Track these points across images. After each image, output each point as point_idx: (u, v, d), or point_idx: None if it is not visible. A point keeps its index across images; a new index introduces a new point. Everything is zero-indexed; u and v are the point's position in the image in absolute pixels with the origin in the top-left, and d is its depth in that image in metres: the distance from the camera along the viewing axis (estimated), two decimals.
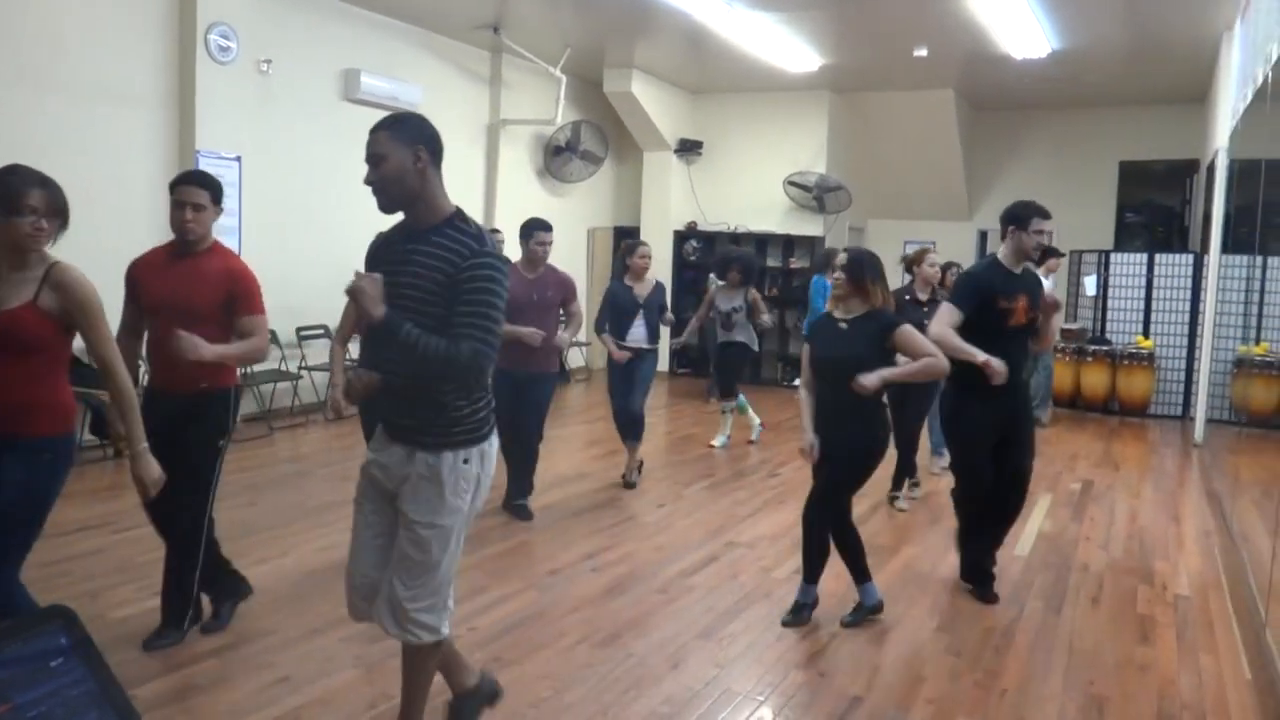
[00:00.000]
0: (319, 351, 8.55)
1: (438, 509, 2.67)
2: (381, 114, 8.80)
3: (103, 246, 7.02)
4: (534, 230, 5.66)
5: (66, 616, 1.16)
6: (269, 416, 8.01)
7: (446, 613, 2.78)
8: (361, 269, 2.68)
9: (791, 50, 9.81)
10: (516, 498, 5.80)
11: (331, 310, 8.45)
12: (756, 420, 8.35)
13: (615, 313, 6.60)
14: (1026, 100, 12.11)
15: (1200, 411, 8.75)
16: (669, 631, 4.08)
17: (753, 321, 7.77)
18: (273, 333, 7.20)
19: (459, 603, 4.27)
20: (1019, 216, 4.56)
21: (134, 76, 7.15)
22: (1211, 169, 8.86)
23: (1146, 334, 10.23)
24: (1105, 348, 10.12)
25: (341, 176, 8.75)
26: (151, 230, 7.33)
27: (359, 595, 2.82)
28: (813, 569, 4.24)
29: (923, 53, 9.62)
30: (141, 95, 7.20)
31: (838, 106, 12.10)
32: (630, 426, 6.60)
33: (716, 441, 8.02)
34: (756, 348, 8.04)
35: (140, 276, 3.70)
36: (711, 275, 9.27)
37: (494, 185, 10.78)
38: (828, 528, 4.21)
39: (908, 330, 4.03)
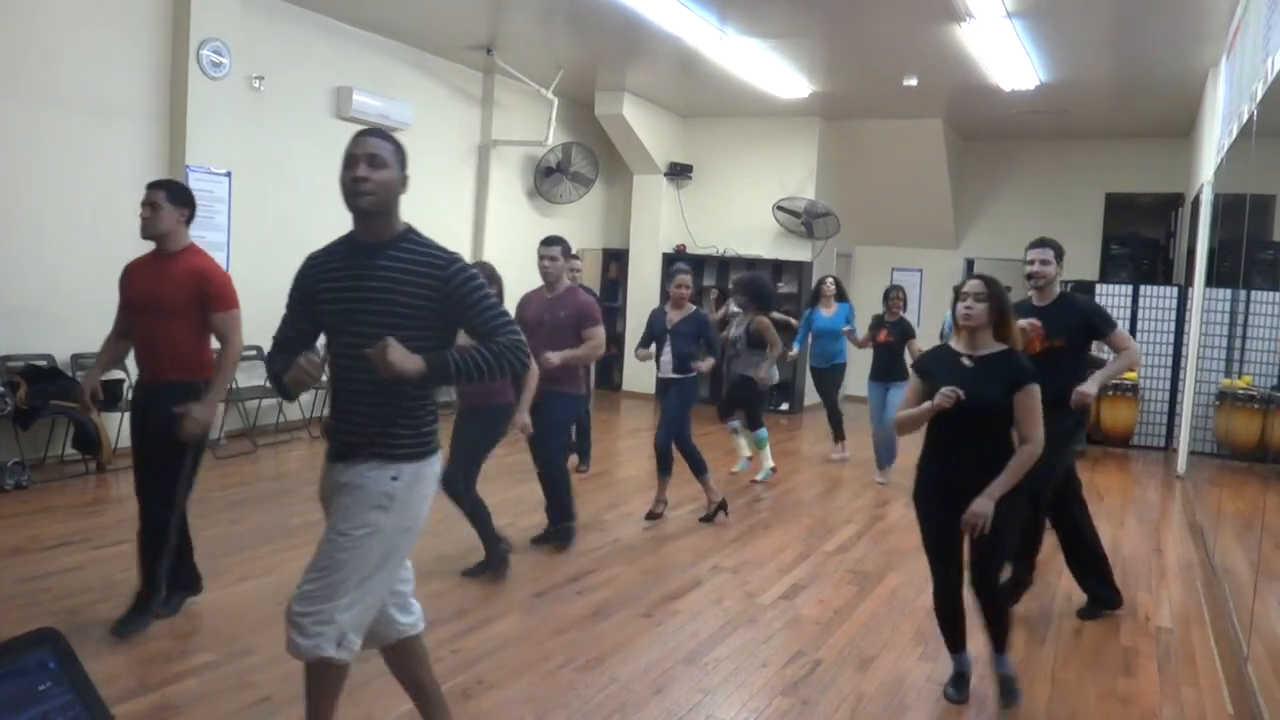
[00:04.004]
0: None
1: (356, 521, 2.63)
2: None
3: (90, 258, 7.02)
4: (540, 246, 5.52)
5: (54, 639, 1.14)
6: (253, 433, 7.97)
7: (332, 628, 2.59)
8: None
9: (782, 77, 9.88)
10: (551, 521, 5.67)
11: None
12: (768, 462, 7.83)
13: (649, 337, 6.44)
14: (1014, 131, 12.22)
15: (1183, 443, 8.80)
16: (653, 656, 4.07)
17: (756, 351, 7.27)
18: (259, 349, 7.20)
19: (443, 622, 4.27)
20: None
21: (125, 90, 7.14)
22: (1196, 203, 8.94)
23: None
24: None
25: (331, 193, 8.68)
26: (140, 244, 7.30)
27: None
28: (959, 639, 3.85)
29: (913, 82, 9.70)
30: (133, 109, 7.19)
31: (827, 133, 12.19)
32: (658, 458, 6.40)
33: (736, 467, 7.86)
34: (758, 376, 7.32)
35: (126, 277, 4.17)
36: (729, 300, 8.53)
37: (484, 205, 10.80)
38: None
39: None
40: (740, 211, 12.34)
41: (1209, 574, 5.73)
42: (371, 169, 2.64)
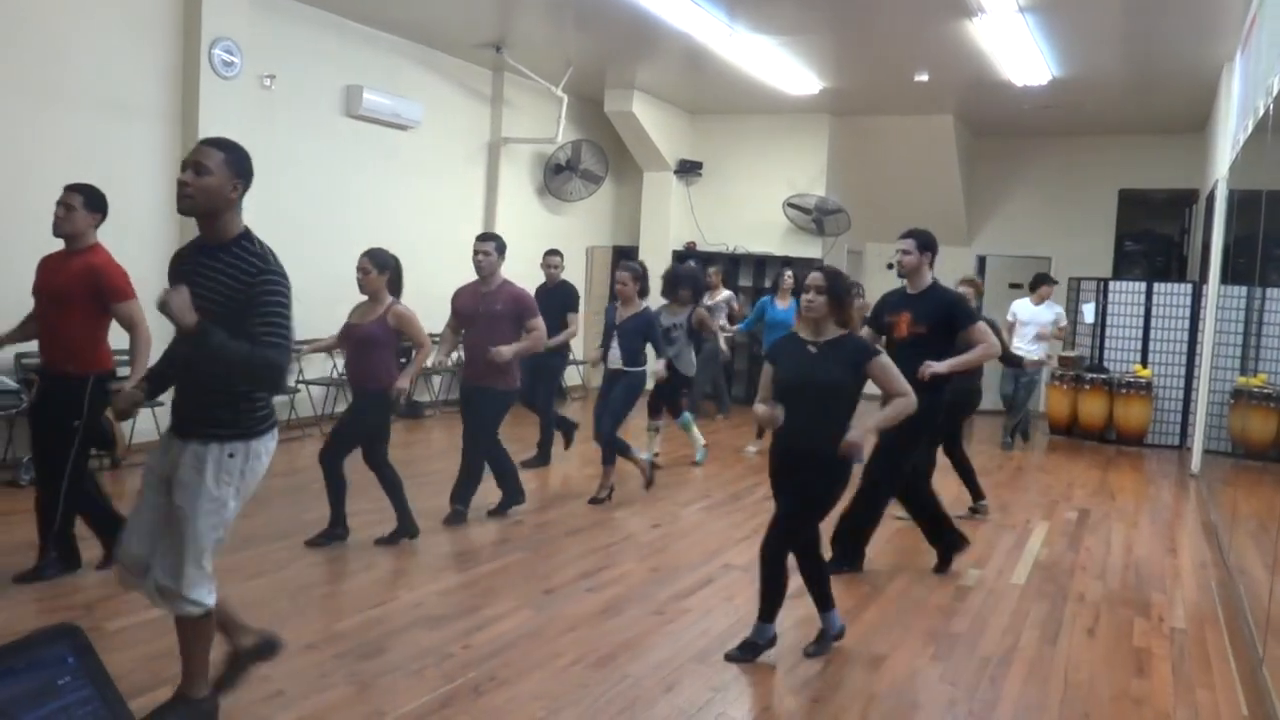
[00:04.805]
0: (317, 366, 8.54)
1: (198, 495, 2.91)
2: (383, 130, 8.84)
3: None
4: (475, 240, 5.85)
5: (73, 634, 1.15)
6: None
7: (209, 583, 2.98)
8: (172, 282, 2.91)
9: (792, 73, 9.86)
10: (453, 500, 5.89)
11: (330, 325, 8.45)
12: (700, 440, 8.28)
13: (605, 331, 6.74)
14: (1026, 127, 12.17)
15: (1197, 442, 8.75)
16: (664, 653, 4.06)
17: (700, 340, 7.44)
18: None
19: (454, 619, 4.28)
20: None
21: (137, 89, 7.16)
22: (1211, 199, 8.89)
23: (1144, 363, 10.24)
24: (1103, 376, 10.13)
25: (341, 192, 8.77)
26: (150, 242, 7.33)
27: (128, 570, 3.09)
28: (772, 607, 4.03)
29: (923, 78, 9.68)
30: (144, 108, 7.21)
31: (838, 129, 12.15)
32: (602, 449, 6.66)
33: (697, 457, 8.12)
34: (691, 372, 7.75)
35: (37, 270, 4.48)
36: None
37: (494, 203, 10.81)
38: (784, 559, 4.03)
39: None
40: (750, 208, 12.32)
41: (1223, 574, 5.70)
42: (195, 175, 2.85)
